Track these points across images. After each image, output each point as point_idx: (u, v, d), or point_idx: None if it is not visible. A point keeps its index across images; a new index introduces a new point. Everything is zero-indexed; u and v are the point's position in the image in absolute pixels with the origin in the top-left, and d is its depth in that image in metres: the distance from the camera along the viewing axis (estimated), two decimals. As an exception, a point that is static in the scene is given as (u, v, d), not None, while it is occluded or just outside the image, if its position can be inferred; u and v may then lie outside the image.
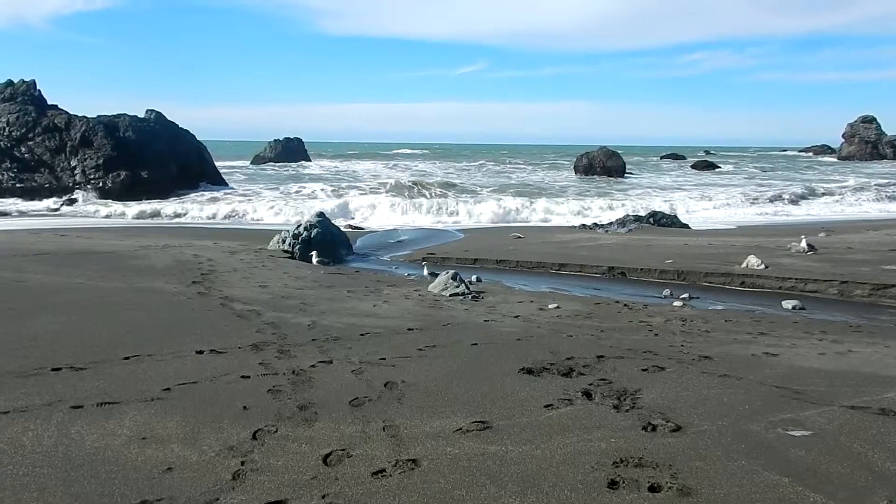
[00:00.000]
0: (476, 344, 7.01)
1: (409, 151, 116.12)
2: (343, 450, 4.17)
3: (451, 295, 10.18)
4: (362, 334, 7.34)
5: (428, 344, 6.93)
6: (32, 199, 30.29)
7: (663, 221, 22.78)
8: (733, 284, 12.49)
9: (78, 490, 3.63)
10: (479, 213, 28.03)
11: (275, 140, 69.04)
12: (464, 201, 30.39)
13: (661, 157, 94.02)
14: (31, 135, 33.45)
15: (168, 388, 5.25)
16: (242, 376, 5.62)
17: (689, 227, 22.82)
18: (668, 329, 8.22)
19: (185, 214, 26.73)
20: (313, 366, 6.01)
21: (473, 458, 4.09)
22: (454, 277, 10.59)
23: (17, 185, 31.83)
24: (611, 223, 22.82)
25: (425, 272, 12.51)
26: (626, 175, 54.32)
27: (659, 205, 29.54)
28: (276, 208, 27.86)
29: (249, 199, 31.11)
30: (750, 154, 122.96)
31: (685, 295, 11.11)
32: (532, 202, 30.06)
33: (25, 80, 35.74)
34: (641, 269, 13.61)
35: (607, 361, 6.33)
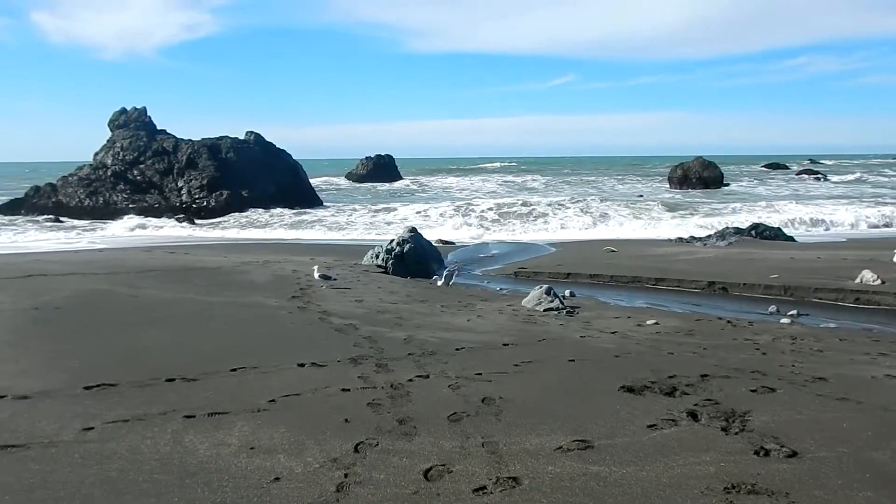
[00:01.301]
0: (573, 360, 6.89)
1: (499, 165, 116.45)
2: (443, 465, 4.17)
3: (545, 310, 10.08)
4: (458, 349, 7.35)
5: (524, 359, 6.87)
6: (144, 217, 32.11)
7: (766, 234, 21.79)
8: (846, 301, 11.79)
9: (192, 497, 3.78)
10: (570, 226, 27.70)
11: (366, 157, 70.67)
12: (553, 214, 30.12)
13: (763, 167, 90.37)
14: (142, 158, 35.58)
15: (273, 400, 5.41)
16: (343, 389, 5.73)
17: (794, 240, 21.76)
18: (776, 348, 7.83)
19: (280, 229, 27.68)
20: (411, 380, 6.06)
21: (575, 477, 4.01)
22: (548, 292, 10.49)
23: (130, 205, 33.85)
24: (709, 236, 22.07)
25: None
26: (723, 185, 52.50)
27: (760, 216, 28.32)
28: (368, 224, 28.45)
29: (343, 216, 31.91)
30: (858, 161, 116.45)
31: (793, 312, 10.56)
32: (625, 215, 29.47)
33: (137, 107, 38.16)
34: (744, 285, 13.06)
35: (712, 381, 6.09)
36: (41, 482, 3.93)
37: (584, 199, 37.76)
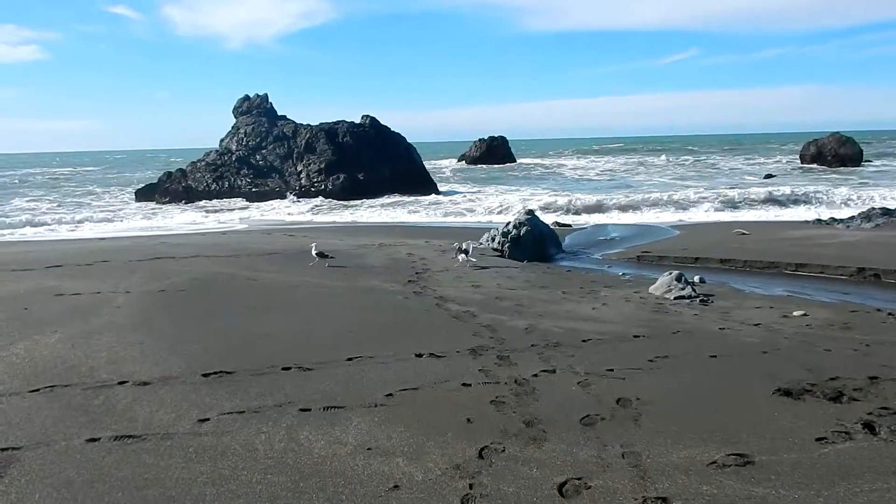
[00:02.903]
0: (714, 356, 6.21)
1: (614, 146, 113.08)
2: (579, 479, 3.70)
3: (675, 298, 9.32)
4: (584, 340, 6.82)
5: (658, 354, 6.25)
6: (265, 201, 33.19)
7: (920, 215, 19.65)
8: None
9: (306, 503, 3.50)
10: (693, 207, 26.21)
11: (479, 139, 70.26)
12: (675, 195, 28.61)
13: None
14: (263, 143, 36.76)
15: (390, 394, 5.11)
16: (463, 384, 5.36)
17: (954, 221, 19.51)
18: (955, 345, 6.80)
19: (393, 211, 27.80)
20: (535, 375, 5.61)
21: (737, 501, 3.44)
22: (678, 279, 9.71)
23: (253, 189, 35.07)
24: (852, 217, 20.14)
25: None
26: (863, 163, 48.42)
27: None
28: (483, 207, 28.09)
29: (457, 199, 31.71)
30: None
31: (966, 302, 9.27)
32: (754, 195, 27.58)
33: (259, 94, 39.46)
34: (901, 271, 11.69)
35: (884, 385, 5.27)
36: (154, 479, 3.77)
37: (709, 179, 35.79)
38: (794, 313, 8.38)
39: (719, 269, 13.08)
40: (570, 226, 22.12)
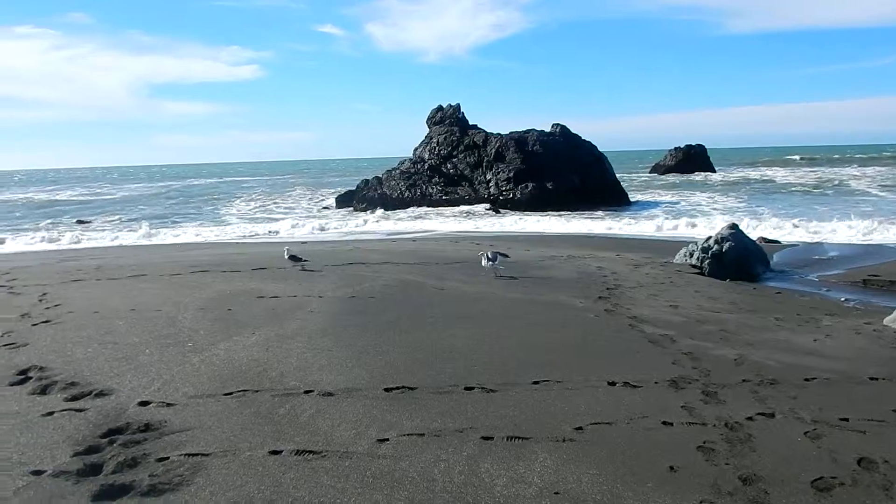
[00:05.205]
0: (983, 411, 5.04)
1: (818, 156, 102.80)
2: (818, 563, 3.00)
3: (919, 332, 7.91)
4: (807, 379, 5.87)
5: (906, 403, 5.20)
6: (454, 208, 33.77)
7: None
8: None
9: (486, 553, 3.12)
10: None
11: (675, 148, 67.07)
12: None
13: None
14: (454, 152, 37.50)
15: (580, 428, 4.62)
16: (664, 422, 4.73)
17: None
18: None
19: (581, 220, 26.98)
20: (750, 418, 4.84)
21: None
22: (923, 310, 8.25)
23: (443, 197, 35.87)
24: None
25: None
26: None
27: None
28: (678, 219, 26.51)
29: (653, 209, 30.26)
30: None
31: None
32: None
33: (452, 104, 40.35)
34: None
35: None
36: (330, 503, 3.59)
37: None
38: None
39: (972, 299, 11.09)
40: (778, 242, 20.18)
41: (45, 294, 9.50)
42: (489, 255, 11.83)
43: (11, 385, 5.52)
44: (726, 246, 13.72)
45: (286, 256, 12.38)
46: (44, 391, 5.36)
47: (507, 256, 12.36)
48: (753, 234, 19.11)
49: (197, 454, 4.20)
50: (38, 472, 3.96)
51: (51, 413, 4.88)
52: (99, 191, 65.53)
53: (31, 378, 5.66)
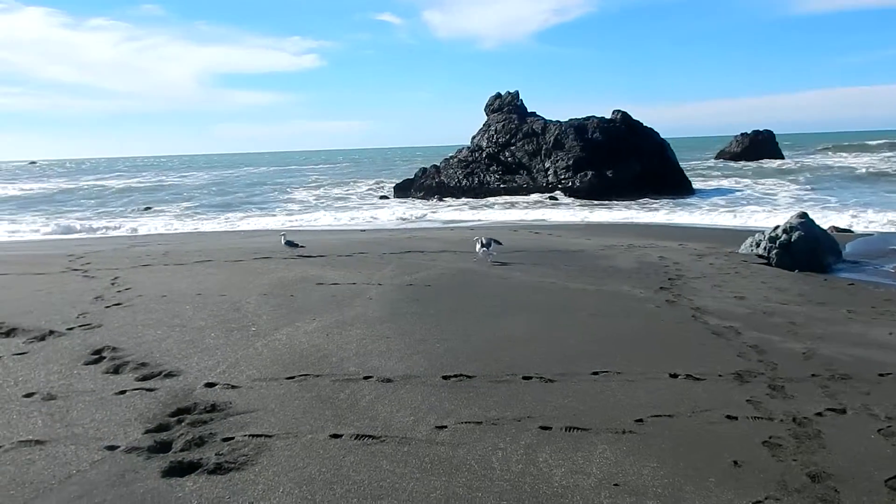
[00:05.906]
0: None
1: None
2: (892, 566, 2.89)
3: None
4: (881, 374, 5.65)
5: None
6: (513, 197, 33.59)
7: None
8: None
9: (544, 542, 3.11)
10: None
11: (742, 134, 65.03)
12: None
13: None
14: (513, 140, 37.24)
15: (640, 420, 4.55)
16: (728, 416, 4.62)
17: None
18: None
19: (639, 210, 26.50)
20: (820, 414, 4.69)
21: None
22: None
23: (501, 185, 35.72)
24: None
25: None
26: None
27: None
28: (745, 207, 25.77)
29: (718, 198, 29.51)
30: None
31: None
32: None
33: (510, 91, 40.03)
34: None
35: None
36: (390, 487, 3.63)
37: None
38: None
39: None
40: (850, 231, 19.44)
41: (116, 278, 9.88)
42: (483, 241, 11.80)
43: (87, 364, 5.77)
44: (795, 235, 13.28)
45: (283, 243, 12.73)
46: (116, 371, 5.59)
47: (500, 244, 12.26)
48: (824, 223, 18.43)
49: (261, 435, 4.30)
50: (112, 448, 4.13)
51: (123, 392, 5.08)
52: (165, 178, 67.58)
53: (104, 358, 5.91)
